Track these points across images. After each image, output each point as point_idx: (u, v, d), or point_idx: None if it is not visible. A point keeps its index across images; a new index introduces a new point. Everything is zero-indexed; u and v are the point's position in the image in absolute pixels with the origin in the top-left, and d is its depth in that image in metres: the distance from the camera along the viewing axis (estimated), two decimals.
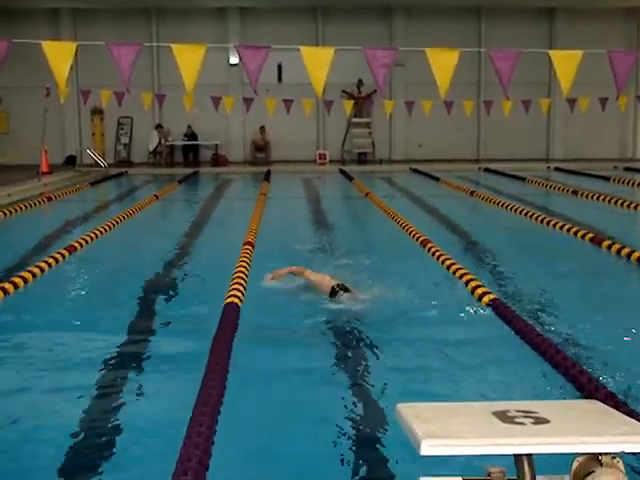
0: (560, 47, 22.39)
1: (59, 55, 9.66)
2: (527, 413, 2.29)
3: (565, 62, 10.45)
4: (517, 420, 2.24)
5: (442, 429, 2.20)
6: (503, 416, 2.28)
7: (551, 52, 11.11)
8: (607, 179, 20.07)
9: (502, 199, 15.17)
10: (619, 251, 9.54)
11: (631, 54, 11.83)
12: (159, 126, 26.81)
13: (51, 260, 9.02)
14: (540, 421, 2.23)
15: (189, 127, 26.80)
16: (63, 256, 9.44)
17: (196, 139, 27.09)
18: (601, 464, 2.15)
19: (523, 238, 11.91)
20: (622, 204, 14.47)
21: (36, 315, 7.06)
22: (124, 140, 27.73)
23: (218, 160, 26.67)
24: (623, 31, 27.83)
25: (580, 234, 10.80)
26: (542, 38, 27.09)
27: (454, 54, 10.18)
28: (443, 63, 10.04)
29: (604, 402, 3.74)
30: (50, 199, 16.59)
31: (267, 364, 5.50)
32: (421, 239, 10.31)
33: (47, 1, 24.70)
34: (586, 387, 4.65)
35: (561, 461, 2.29)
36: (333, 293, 7.08)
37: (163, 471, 3.59)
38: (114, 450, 4.20)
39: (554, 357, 5.32)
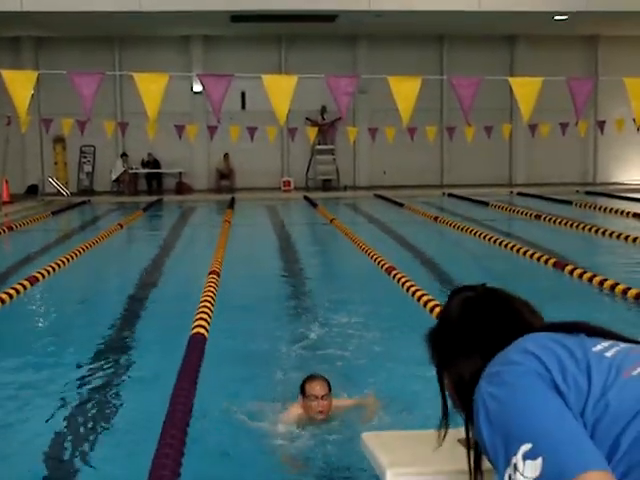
0: (520, 74, 22.74)
1: (20, 84, 9.58)
2: None
3: (525, 89, 10.60)
4: None
5: (407, 458, 2.20)
6: None
7: (511, 79, 11.28)
8: (569, 203, 20.33)
9: (466, 224, 15.28)
10: (581, 275, 9.64)
11: (589, 80, 12.04)
12: (124, 155, 26.67)
13: (12, 291, 8.88)
14: None
15: (149, 154, 26.70)
16: (25, 287, 9.31)
17: (158, 166, 26.98)
18: None
19: (487, 263, 12.00)
20: (584, 228, 14.64)
21: None
22: (87, 169, 27.53)
23: (182, 188, 26.59)
24: (582, 58, 28.32)
25: (543, 259, 10.90)
26: (503, 65, 27.47)
27: (416, 82, 10.28)
28: (405, 91, 10.13)
29: None
30: (11, 229, 16.39)
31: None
32: (386, 266, 10.34)
33: (8, 29, 24.56)
34: None
35: None
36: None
37: None
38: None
39: None
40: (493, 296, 1.96)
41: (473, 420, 1.73)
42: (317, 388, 4.92)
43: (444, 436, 2.03)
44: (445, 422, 2.02)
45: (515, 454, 1.53)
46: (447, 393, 1.97)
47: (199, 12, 21.97)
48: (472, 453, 1.88)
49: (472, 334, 1.87)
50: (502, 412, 1.60)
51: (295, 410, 5.04)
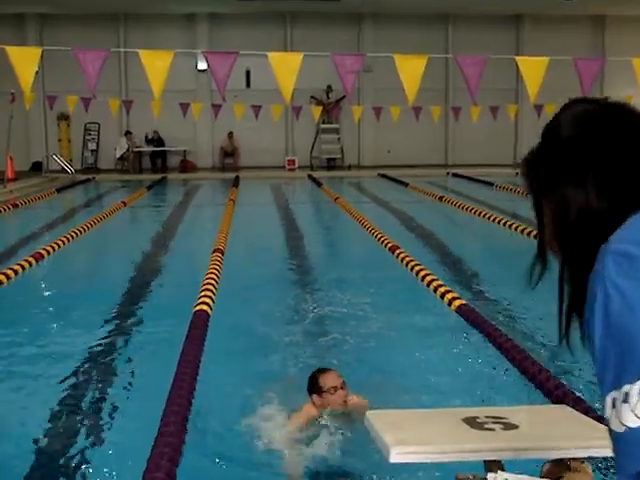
0: (526, 54, 22.61)
1: (24, 60, 9.55)
2: (496, 419, 2.29)
3: (532, 68, 10.54)
4: (486, 426, 2.25)
5: (411, 436, 2.20)
6: (473, 422, 2.28)
7: (518, 58, 11.22)
8: None
9: (470, 204, 15.24)
10: None
11: (596, 61, 11.98)
12: (128, 132, 26.62)
13: (17, 267, 8.90)
14: (509, 427, 2.23)
15: (155, 132, 26.64)
16: (30, 263, 9.32)
17: (162, 144, 26.92)
18: (570, 468, 2.16)
19: (491, 243, 11.99)
20: None
21: None
22: (91, 146, 27.49)
23: (186, 166, 26.55)
24: (588, 38, 28.16)
25: None
26: (509, 45, 27.32)
27: (422, 60, 10.23)
28: (411, 69, 10.08)
29: (573, 408, 3.76)
30: (16, 206, 16.39)
31: None
32: (390, 245, 10.33)
33: (12, 6, 24.44)
34: (554, 393, 4.68)
35: (531, 463, 2.29)
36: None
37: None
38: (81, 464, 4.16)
39: (523, 362, 5.35)
40: (620, 110, 1.45)
41: (572, 270, 1.44)
42: (335, 378, 4.52)
43: (539, 279, 1.65)
44: (541, 263, 1.63)
45: (631, 382, 1.12)
46: (546, 231, 1.57)
47: None
48: (564, 307, 1.55)
49: (587, 152, 1.40)
50: (627, 316, 1.18)
51: (307, 411, 4.54)
